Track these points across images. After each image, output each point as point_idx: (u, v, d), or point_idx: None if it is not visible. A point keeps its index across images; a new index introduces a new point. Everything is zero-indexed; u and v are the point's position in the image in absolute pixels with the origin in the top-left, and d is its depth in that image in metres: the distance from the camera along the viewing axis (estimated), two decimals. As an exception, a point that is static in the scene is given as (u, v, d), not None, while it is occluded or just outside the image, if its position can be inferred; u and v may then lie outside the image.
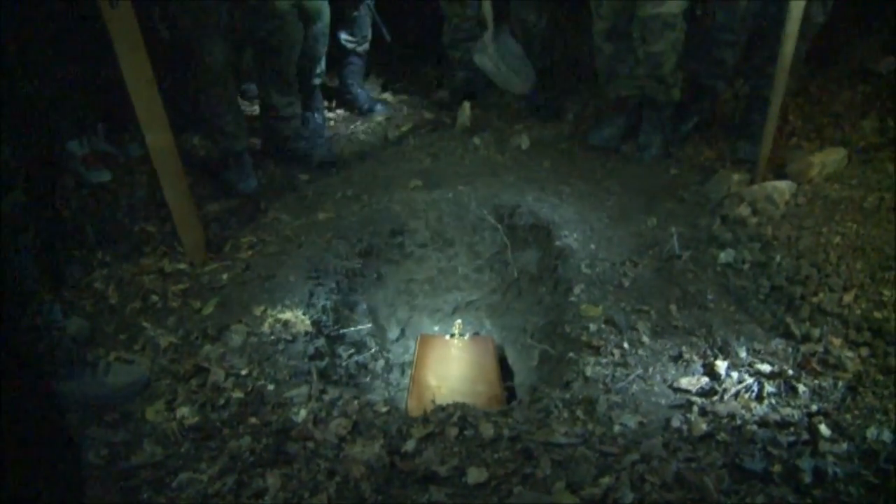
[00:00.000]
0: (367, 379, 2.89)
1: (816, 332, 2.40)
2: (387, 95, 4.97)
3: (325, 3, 3.80)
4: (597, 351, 2.49)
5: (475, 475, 1.84)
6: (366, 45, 4.54)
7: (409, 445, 1.98)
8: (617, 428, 2.05)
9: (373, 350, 3.00)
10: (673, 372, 2.35)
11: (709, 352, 2.42)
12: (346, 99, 4.72)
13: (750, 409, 2.12)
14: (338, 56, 4.50)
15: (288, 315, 2.66)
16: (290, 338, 2.56)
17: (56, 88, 3.21)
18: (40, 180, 2.91)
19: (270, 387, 2.32)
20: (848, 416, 2.05)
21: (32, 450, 1.58)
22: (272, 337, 2.56)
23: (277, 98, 3.73)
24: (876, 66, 3.94)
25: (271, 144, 3.94)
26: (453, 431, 2.03)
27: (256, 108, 4.12)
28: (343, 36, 4.45)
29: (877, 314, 2.42)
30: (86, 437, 2.10)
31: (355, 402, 2.24)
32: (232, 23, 3.29)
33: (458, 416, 2.09)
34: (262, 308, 2.68)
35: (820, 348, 2.34)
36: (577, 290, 2.82)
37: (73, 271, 2.85)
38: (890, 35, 4.04)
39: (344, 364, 2.79)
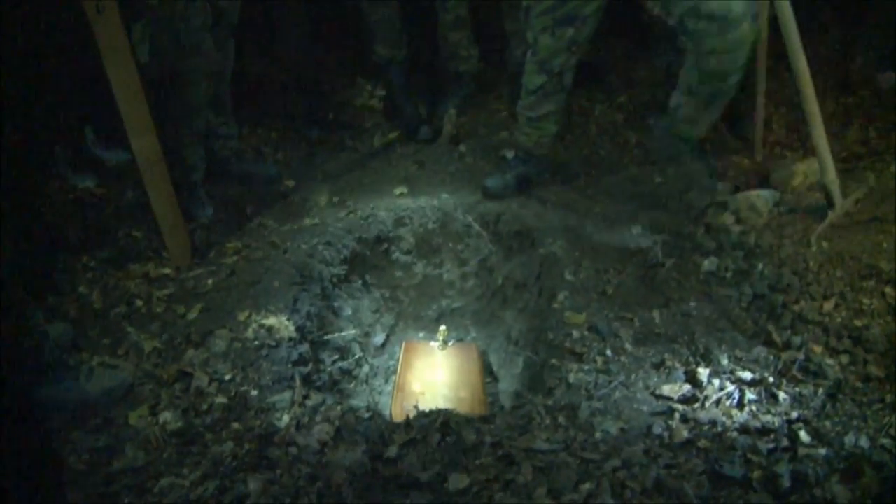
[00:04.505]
0: (351, 385, 2.90)
1: (797, 340, 2.42)
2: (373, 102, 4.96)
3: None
4: (580, 358, 2.50)
5: (457, 481, 1.85)
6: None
7: (392, 451, 1.98)
8: (598, 434, 2.06)
9: (357, 356, 3.00)
10: (655, 379, 2.37)
11: (691, 359, 2.43)
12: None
13: (731, 416, 2.13)
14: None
15: (272, 321, 2.67)
16: (273, 343, 2.56)
17: (42, 92, 3.19)
18: (25, 184, 2.90)
19: (254, 392, 2.32)
20: (827, 423, 2.06)
21: (13, 456, 1.57)
22: (256, 342, 2.56)
23: (212, 118, 3.47)
24: (876, 81, 3.94)
25: (213, 166, 3.61)
26: (435, 437, 2.04)
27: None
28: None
29: (856, 322, 2.44)
30: (68, 441, 2.10)
31: (338, 407, 2.25)
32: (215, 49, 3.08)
33: (440, 422, 2.10)
34: (246, 313, 2.69)
35: (801, 356, 2.35)
36: (560, 297, 2.83)
37: (57, 276, 2.84)
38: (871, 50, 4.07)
39: (328, 370, 2.79)
